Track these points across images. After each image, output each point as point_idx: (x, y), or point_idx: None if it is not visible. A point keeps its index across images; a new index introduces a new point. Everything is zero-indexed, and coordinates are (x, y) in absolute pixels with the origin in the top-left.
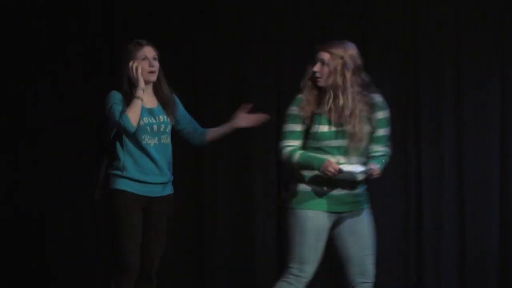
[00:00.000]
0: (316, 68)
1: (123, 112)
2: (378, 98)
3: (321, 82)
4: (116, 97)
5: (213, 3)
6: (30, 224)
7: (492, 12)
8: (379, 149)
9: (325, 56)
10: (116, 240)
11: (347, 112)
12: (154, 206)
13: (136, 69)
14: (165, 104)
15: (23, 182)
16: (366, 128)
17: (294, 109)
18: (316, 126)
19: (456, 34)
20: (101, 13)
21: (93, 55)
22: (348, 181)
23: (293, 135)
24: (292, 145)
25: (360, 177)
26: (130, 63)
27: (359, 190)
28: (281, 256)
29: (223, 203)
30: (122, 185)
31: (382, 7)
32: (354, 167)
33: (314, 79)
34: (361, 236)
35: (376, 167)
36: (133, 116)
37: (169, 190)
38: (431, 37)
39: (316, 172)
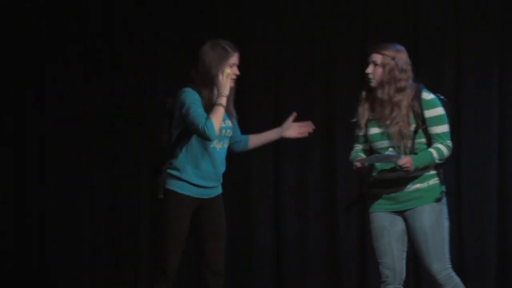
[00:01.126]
0: (369, 70)
1: (208, 118)
2: (428, 96)
3: (374, 83)
4: (194, 97)
5: (213, 3)
6: (30, 224)
7: (492, 12)
8: (433, 145)
9: (377, 58)
10: (160, 241)
11: (396, 112)
12: (205, 207)
13: (227, 76)
14: (230, 109)
15: (23, 182)
16: (413, 127)
17: (355, 117)
18: (368, 129)
19: (456, 34)
20: (101, 13)
21: (93, 55)
22: (403, 179)
23: (357, 139)
24: (355, 147)
25: (392, 161)
26: (224, 69)
27: (418, 186)
28: (279, 257)
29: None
30: (177, 187)
31: (382, 7)
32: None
33: (368, 83)
34: (417, 233)
35: (404, 158)
36: (217, 124)
37: (219, 190)
38: (431, 37)
39: (375, 174)
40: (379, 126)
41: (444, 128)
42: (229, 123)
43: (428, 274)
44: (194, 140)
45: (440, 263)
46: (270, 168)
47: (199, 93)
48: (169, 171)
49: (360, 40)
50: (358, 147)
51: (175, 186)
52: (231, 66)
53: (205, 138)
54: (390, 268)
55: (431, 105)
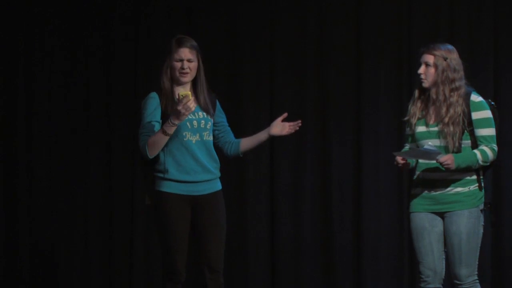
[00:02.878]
0: (421, 70)
1: (147, 139)
2: (476, 98)
3: (426, 84)
4: (150, 105)
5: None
6: (29, 226)
7: (486, 15)
8: (479, 148)
9: (430, 58)
10: (161, 243)
11: (445, 112)
12: (201, 205)
13: (182, 99)
14: (205, 102)
15: (22, 185)
16: (461, 128)
17: (406, 117)
18: (415, 127)
19: (450, 36)
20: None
21: (89, 54)
22: (445, 181)
23: (406, 138)
24: (404, 146)
25: (432, 157)
26: (178, 94)
27: (458, 190)
28: (274, 257)
29: None
30: (165, 187)
31: (376, 9)
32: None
33: (420, 82)
34: (452, 237)
35: (446, 155)
36: (152, 150)
37: (215, 187)
38: (425, 37)
39: (416, 174)
40: (426, 125)
41: (490, 131)
42: (201, 114)
43: (454, 278)
44: (171, 138)
45: (469, 269)
46: (265, 167)
47: (164, 91)
48: (155, 174)
49: (354, 42)
50: (407, 146)
51: (163, 186)
52: (177, 61)
53: (142, 154)
54: (431, 269)
55: (479, 107)
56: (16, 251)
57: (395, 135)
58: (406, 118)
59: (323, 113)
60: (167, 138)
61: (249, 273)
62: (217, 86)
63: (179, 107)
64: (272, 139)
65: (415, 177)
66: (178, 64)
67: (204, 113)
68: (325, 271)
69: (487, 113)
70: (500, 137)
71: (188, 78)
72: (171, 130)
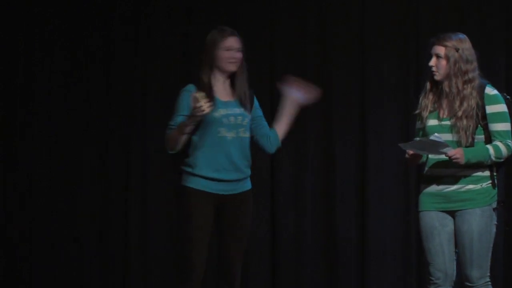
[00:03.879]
0: (432, 62)
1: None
2: (491, 91)
3: (438, 76)
4: (184, 98)
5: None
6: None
7: (496, 12)
8: (492, 143)
9: (440, 50)
10: (182, 239)
11: (458, 105)
12: (228, 205)
13: (199, 100)
14: (241, 99)
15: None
16: (475, 122)
17: (417, 110)
18: (426, 121)
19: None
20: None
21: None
22: (455, 177)
23: (417, 132)
24: (415, 140)
25: (440, 149)
26: (193, 95)
27: (470, 187)
28: (275, 257)
29: None
30: (192, 183)
31: (380, 5)
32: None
33: (431, 75)
34: (464, 236)
35: (455, 149)
36: (169, 145)
37: (244, 186)
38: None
39: (426, 170)
40: (439, 119)
41: (505, 126)
42: (238, 110)
43: (465, 279)
44: (201, 132)
45: (481, 270)
46: (266, 166)
47: (200, 80)
48: (184, 168)
49: (359, 35)
50: (416, 139)
51: (190, 182)
52: (226, 50)
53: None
54: (442, 270)
55: (493, 100)
56: (16, 251)
57: (400, 134)
58: (417, 112)
59: (325, 112)
60: (183, 136)
61: (250, 273)
62: None
63: (198, 110)
64: None
65: (424, 173)
66: (227, 53)
67: (242, 109)
68: (328, 273)
69: (503, 107)
70: None
71: (235, 67)
72: (185, 129)
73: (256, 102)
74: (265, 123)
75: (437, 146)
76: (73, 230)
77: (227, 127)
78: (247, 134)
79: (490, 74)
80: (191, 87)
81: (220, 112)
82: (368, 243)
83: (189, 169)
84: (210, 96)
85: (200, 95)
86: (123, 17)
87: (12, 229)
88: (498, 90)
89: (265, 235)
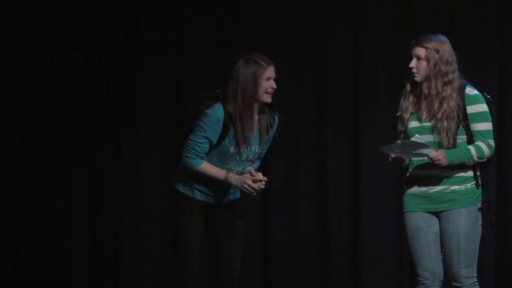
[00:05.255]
0: (413, 64)
1: (199, 163)
2: (471, 92)
3: (418, 78)
4: (212, 123)
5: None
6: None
7: (491, 13)
8: (474, 143)
9: (421, 51)
10: (176, 243)
11: (438, 107)
12: (218, 208)
13: (259, 183)
14: (263, 129)
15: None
16: (456, 123)
17: (398, 112)
18: (408, 123)
19: (453, 28)
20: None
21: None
22: (439, 178)
23: (399, 134)
24: (397, 142)
25: (422, 151)
26: (254, 175)
27: (454, 188)
28: (268, 258)
29: None
30: (186, 190)
31: (377, 7)
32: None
33: (412, 76)
34: (450, 237)
35: (437, 152)
36: (200, 174)
37: (235, 196)
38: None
39: (409, 171)
40: (419, 120)
41: (486, 125)
42: (255, 148)
43: (452, 279)
44: (212, 155)
45: (468, 270)
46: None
47: (226, 110)
48: (182, 172)
49: (353, 40)
50: (398, 141)
51: (183, 187)
52: (267, 80)
53: (182, 166)
54: (429, 270)
55: (474, 100)
56: (16, 251)
57: (394, 135)
58: (398, 114)
59: (320, 112)
60: (218, 179)
61: (243, 276)
62: (215, 86)
63: (251, 186)
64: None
65: (408, 174)
66: (267, 84)
67: (258, 146)
68: (322, 273)
69: (483, 107)
70: (504, 134)
71: (270, 99)
72: (229, 180)
73: (273, 130)
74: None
75: (418, 147)
76: (74, 230)
77: (237, 163)
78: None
79: (484, 75)
80: (220, 113)
81: (236, 148)
82: (361, 245)
83: (187, 178)
84: (241, 136)
85: (262, 179)
86: (123, 17)
87: (12, 229)
88: (482, 91)
89: (258, 238)
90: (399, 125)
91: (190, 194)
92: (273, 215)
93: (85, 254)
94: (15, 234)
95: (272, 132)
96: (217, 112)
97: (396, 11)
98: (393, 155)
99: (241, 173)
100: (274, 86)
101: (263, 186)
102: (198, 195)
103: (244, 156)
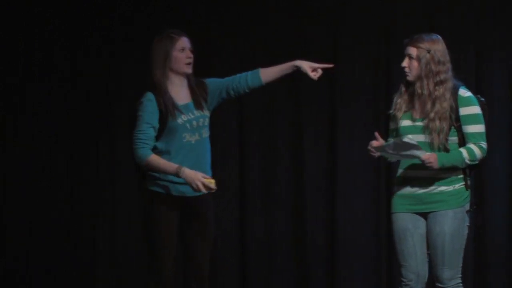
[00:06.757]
0: (405, 63)
1: (148, 153)
2: (465, 93)
3: (410, 77)
4: (148, 107)
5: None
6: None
7: (467, 15)
8: (466, 145)
9: (413, 51)
10: (149, 243)
11: (430, 107)
12: (192, 206)
13: (206, 186)
14: (197, 96)
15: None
16: (448, 124)
17: (391, 110)
18: (400, 121)
19: (430, 26)
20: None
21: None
22: (428, 179)
23: (391, 132)
24: (389, 140)
25: (413, 152)
26: (206, 180)
27: (442, 189)
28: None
29: None
30: (158, 187)
31: (354, 4)
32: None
33: (405, 76)
34: (436, 238)
35: (428, 154)
36: (149, 169)
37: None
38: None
39: (399, 172)
40: (412, 119)
41: (479, 128)
42: (198, 113)
43: (436, 280)
44: (166, 138)
45: (453, 271)
46: (235, 164)
47: (153, 90)
48: (150, 173)
49: (330, 37)
50: (391, 141)
51: (156, 186)
52: (181, 50)
53: (135, 161)
54: (414, 272)
55: (467, 102)
56: (16, 252)
57: (371, 132)
58: (391, 112)
59: (296, 112)
60: (165, 172)
61: (218, 275)
62: None
63: (200, 187)
64: (243, 141)
65: (398, 175)
66: (182, 54)
67: (200, 110)
68: (298, 273)
69: (476, 109)
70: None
71: (191, 69)
72: (177, 174)
73: (210, 87)
74: (232, 77)
75: (410, 148)
76: (74, 230)
77: (190, 131)
78: (207, 134)
79: (462, 73)
80: (150, 95)
81: (183, 118)
82: (338, 244)
83: (156, 174)
84: (171, 104)
85: (213, 182)
86: (123, 17)
87: (11, 230)
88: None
89: (234, 237)
90: (391, 123)
91: (163, 191)
92: (250, 214)
93: (61, 254)
94: (14, 235)
95: (210, 81)
96: (147, 95)
97: (373, 11)
98: (374, 144)
99: (199, 142)
100: (191, 55)
101: (214, 186)
102: (172, 189)
103: (194, 122)
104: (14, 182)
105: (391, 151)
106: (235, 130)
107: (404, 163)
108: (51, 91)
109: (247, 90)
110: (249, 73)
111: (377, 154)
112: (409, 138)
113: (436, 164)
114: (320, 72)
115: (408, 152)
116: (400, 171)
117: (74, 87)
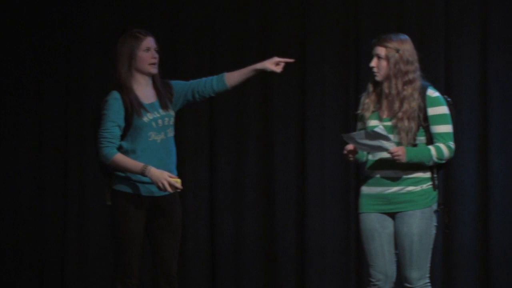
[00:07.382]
0: (373, 63)
1: (113, 152)
2: (433, 93)
3: (379, 77)
4: (113, 106)
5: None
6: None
7: (435, 14)
8: (435, 144)
9: (381, 50)
10: (116, 243)
11: (398, 106)
12: (159, 206)
13: (172, 185)
14: (163, 96)
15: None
16: (416, 124)
17: (358, 110)
18: (368, 121)
19: (398, 23)
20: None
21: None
22: (395, 178)
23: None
24: None
25: (383, 143)
26: (173, 179)
27: (410, 189)
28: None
29: None
30: (124, 186)
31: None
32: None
33: (373, 75)
34: (403, 238)
35: (397, 147)
36: (115, 168)
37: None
38: (372, 31)
39: (365, 171)
40: (380, 119)
41: (447, 128)
42: (162, 112)
43: (404, 281)
44: (132, 137)
45: (421, 271)
46: (204, 166)
47: (119, 89)
48: (116, 173)
49: (298, 35)
50: (362, 131)
51: (122, 186)
52: (146, 50)
53: (100, 160)
54: (382, 272)
55: (435, 102)
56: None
57: (340, 132)
58: (358, 112)
59: (266, 112)
60: (131, 171)
61: (187, 274)
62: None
63: (166, 186)
64: (213, 141)
65: (365, 174)
66: (147, 54)
67: (165, 109)
68: (267, 273)
69: (444, 109)
70: None
71: (156, 70)
72: (143, 173)
73: (175, 88)
74: (197, 80)
75: (380, 138)
76: (72, 230)
77: (156, 130)
78: (172, 133)
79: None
80: (116, 94)
81: (149, 116)
82: (308, 244)
83: (121, 173)
84: (137, 102)
85: (179, 181)
86: (123, 17)
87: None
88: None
89: (204, 237)
90: (359, 123)
91: (131, 191)
92: (220, 214)
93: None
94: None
95: (175, 83)
96: (112, 93)
97: (341, 10)
98: (348, 148)
99: (165, 141)
100: (156, 56)
101: (180, 186)
102: (140, 189)
103: (160, 121)
104: None
105: (360, 141)
106: (205, 130)
107: (370, 162)
108: (51, 91)
109: (212, 94)
110: (215, 77)
111: (353, 158)
112: (381, 129)
113: (404, 158)
114: (282, 64)
115: (377, 143)
116: (366, 170)
117: (74, 88)
